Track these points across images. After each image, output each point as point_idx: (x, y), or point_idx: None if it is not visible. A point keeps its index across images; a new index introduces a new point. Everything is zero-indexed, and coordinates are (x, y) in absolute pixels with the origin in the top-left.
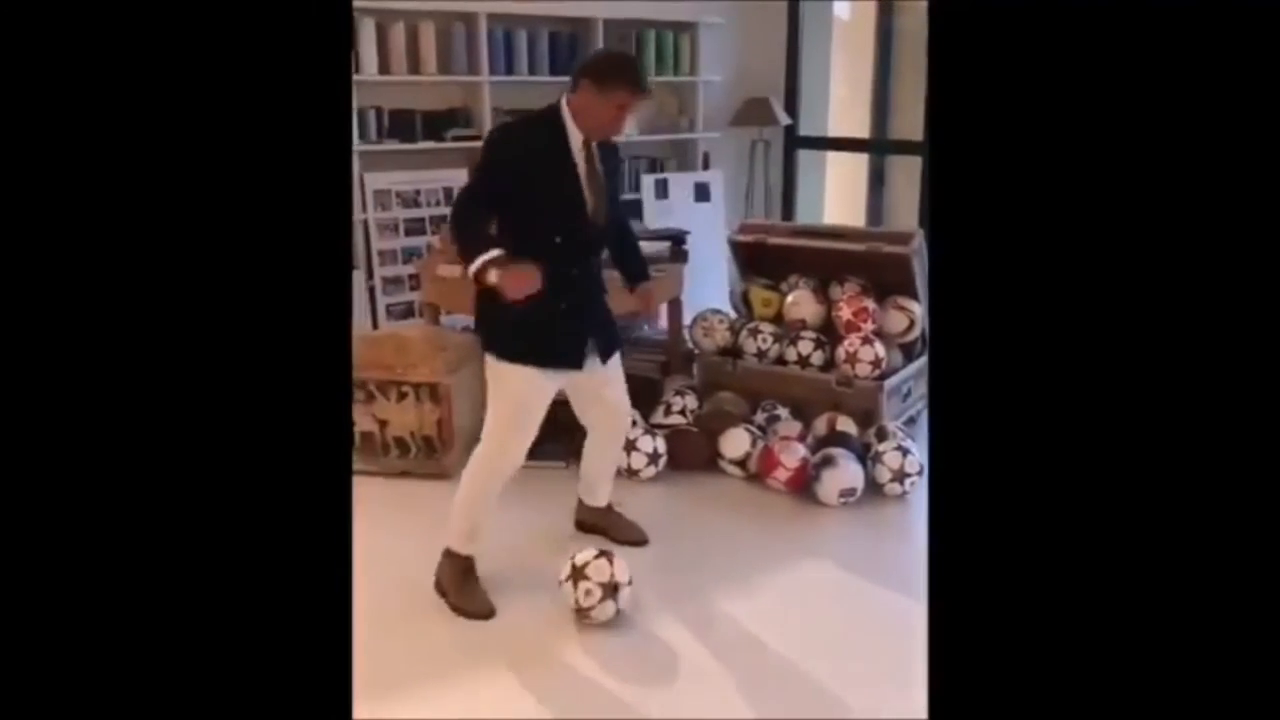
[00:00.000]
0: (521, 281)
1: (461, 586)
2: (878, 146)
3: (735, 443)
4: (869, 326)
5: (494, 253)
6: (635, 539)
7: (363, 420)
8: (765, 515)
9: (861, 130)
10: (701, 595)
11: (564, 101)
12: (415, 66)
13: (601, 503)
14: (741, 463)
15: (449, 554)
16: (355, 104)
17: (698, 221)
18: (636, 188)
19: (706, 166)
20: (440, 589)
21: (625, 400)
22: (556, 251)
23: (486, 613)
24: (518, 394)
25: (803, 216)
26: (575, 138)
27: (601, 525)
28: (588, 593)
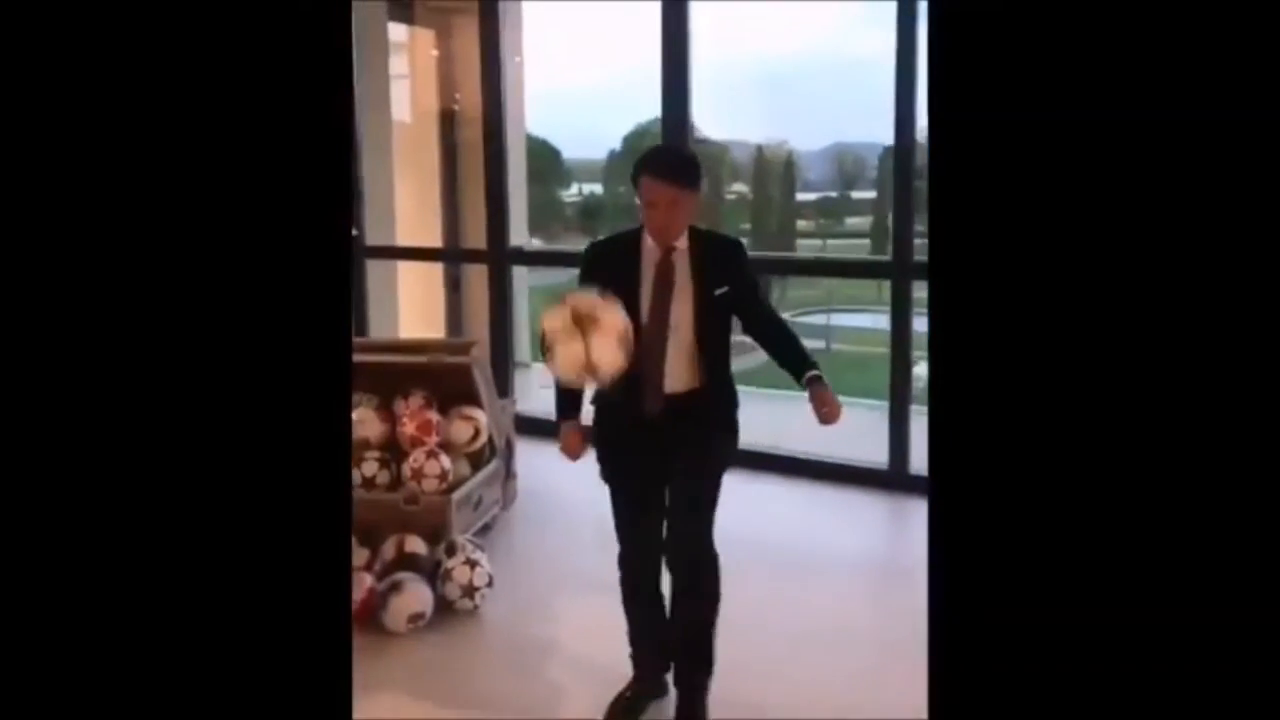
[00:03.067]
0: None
1: None
2: (448, 255)
3: None
4: (433, 440)
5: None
6: None
7: None
8: None
9: (432, 238)
10: None
11: None
12: None
13: None
14: None
15: None
16: None
17: None
18: None
19: None
20: None
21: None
22: None
23: None
24: None
25: (376, 329)
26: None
27: None
28: None
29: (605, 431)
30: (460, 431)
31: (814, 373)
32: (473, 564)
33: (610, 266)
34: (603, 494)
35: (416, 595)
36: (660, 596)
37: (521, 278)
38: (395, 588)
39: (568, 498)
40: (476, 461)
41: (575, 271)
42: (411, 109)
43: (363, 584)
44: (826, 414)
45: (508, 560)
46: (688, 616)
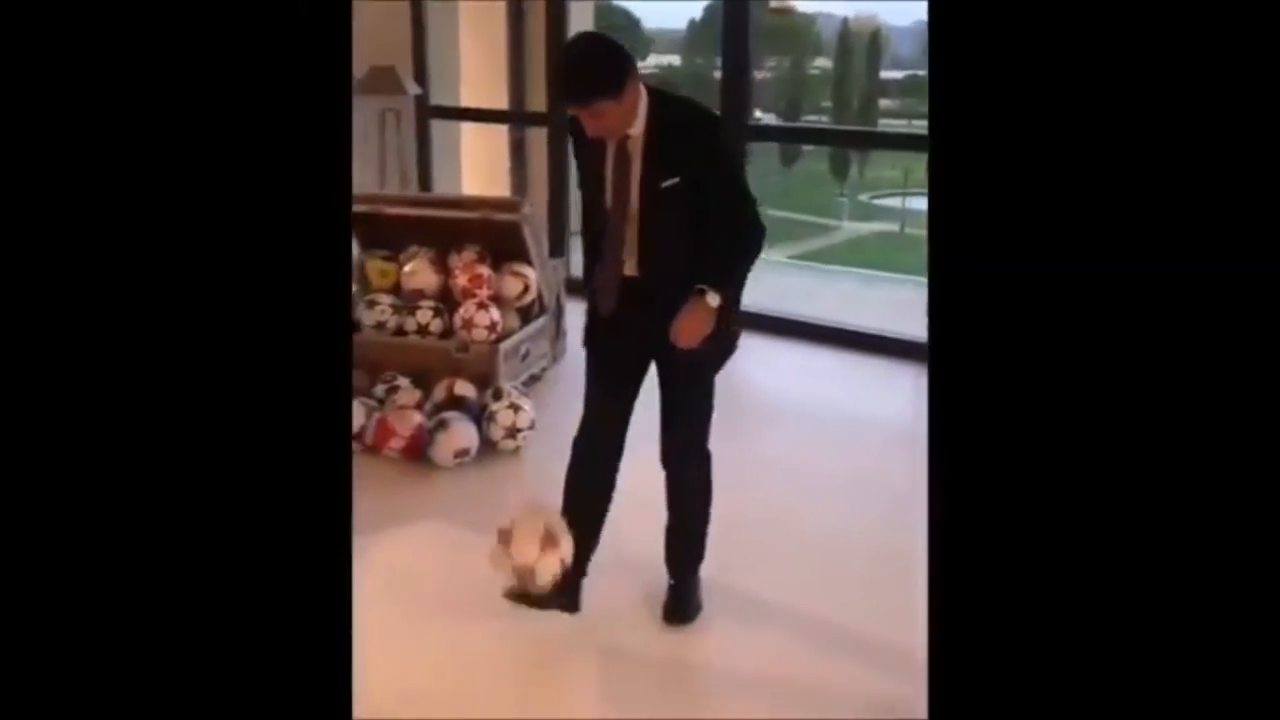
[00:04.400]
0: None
1: None
2: (511, 118)
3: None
4: (484, 292)
5: None
6: None
7: None
8: (379, 483)
9: (498, 101)
10: None
11: None
12: None
13: None
14: (356, 436)
15: None
16: None
17: None
18: None
19: None
20: None
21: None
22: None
23: None
24: None
25: (440, 187)
26: None
27: None
28: None
29: (590, 305)
30: (510, 286)
31: (702, 286)
32: (516, 408)
33: (583, 144)
34: None
35: (463, 433)
36: (604, 502)
37: None
38: (442, 425)
39: None
40: (526, 316)
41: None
42: None
43: (412, 421)
44: (679, 329)
45: (552, 409)
46: (682, 518)
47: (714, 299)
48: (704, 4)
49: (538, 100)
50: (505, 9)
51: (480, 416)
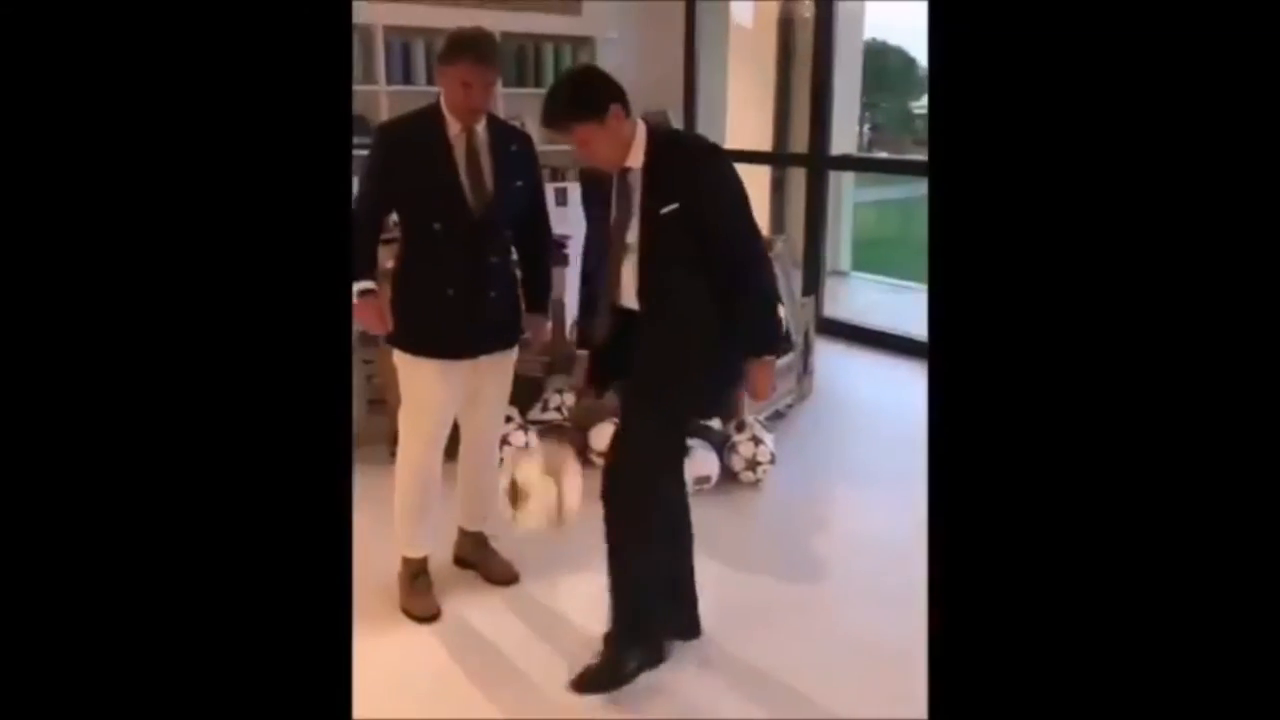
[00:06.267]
0: (366, 316)
1: (410, 589)
2: (772, 159)
3: (603, 436)
4: None
5: (364, 284)
6: (506, 578)
7: None
8: None
9: (762, 140)
10: (557, 575)
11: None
12: None
13: (476, 526)
14: (603, 453)
15: (402, 558)
16: None
17: None
18: None
19: None
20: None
21: (502, 403)
22: (438, 239)
23: (431, 615)
24: (415, 387)
25: None
26: (453, 126)
27: (473, 559)
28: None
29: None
30: None
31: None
32: (758, 441)
33: (591, 194)
34: (899, 398)
35: (704, 460)
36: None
37: (848, 186)
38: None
39: (864, 399)
40: None
41: (910, 186)
42: (754, 15)
43: None
44: (756, 391)
45: (795, 446)
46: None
47: (770, 358)
48: None
49: (799, 142)
50: (775, 59)
51: (722, 447)
